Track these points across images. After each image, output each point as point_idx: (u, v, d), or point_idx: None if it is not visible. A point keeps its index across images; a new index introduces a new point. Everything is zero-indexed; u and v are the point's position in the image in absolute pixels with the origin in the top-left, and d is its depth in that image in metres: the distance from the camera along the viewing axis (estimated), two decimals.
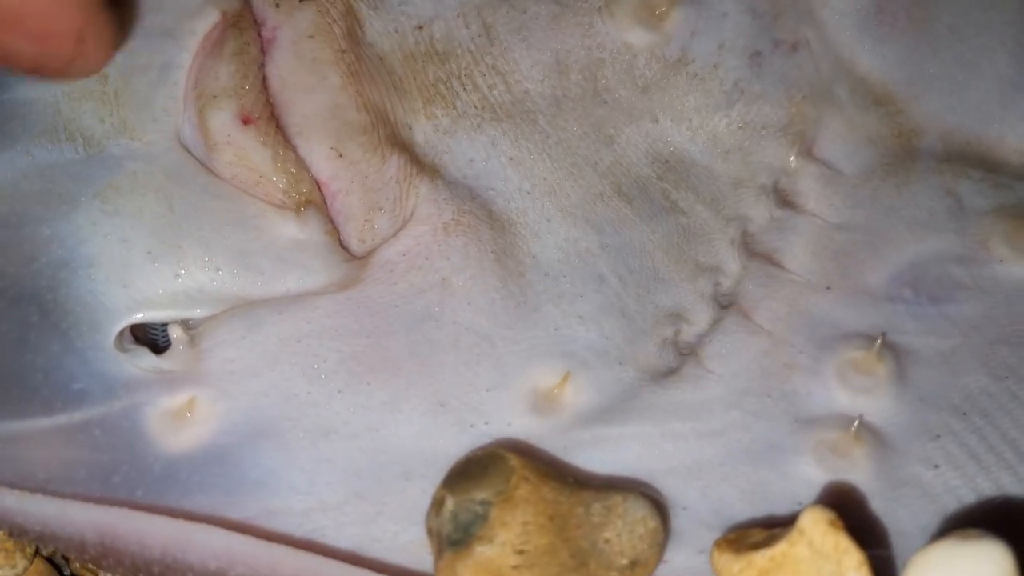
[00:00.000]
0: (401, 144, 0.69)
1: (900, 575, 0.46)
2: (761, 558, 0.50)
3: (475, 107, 0.71)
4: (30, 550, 0.72)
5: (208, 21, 0.70)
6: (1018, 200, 0.77)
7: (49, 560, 0.74)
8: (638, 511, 0.55)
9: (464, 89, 0.71)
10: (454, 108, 0.71)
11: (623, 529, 0.54)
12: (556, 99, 0.72)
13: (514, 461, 0.56)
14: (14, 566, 0.71)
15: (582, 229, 0.69)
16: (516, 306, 0.67)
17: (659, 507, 0.56)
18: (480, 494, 0.55)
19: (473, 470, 0.56)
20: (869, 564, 0.47)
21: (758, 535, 0.52)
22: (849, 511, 0.52)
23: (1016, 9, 0.81)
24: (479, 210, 0.69)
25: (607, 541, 0.54)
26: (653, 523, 0.55)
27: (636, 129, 0.73)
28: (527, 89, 0.72)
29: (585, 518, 0.54)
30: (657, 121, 0.73)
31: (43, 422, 0.63)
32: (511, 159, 0.70)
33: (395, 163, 0.69)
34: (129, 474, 0.61)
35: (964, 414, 0.66)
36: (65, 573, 0.74)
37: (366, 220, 0.69)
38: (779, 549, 0.50)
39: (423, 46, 0.71)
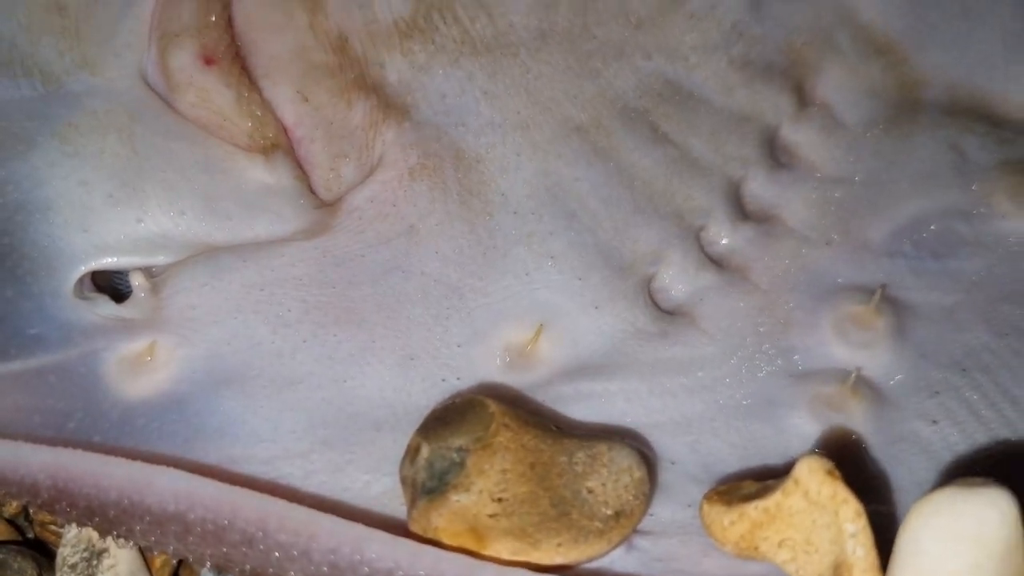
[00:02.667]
0: (369, 87, 0.67)
1: (900, 527, 0.43)
2: (754, 510, 0.47)
3: (454, 41, 0.68)
4: None
5: None
6: (1023, 155, 0.74)
7: (11, 522, 0.71)
8: (623, 460, 0.51)
9: (444, 22, 0.68)
10: (432, 43, 0.68)
11: (608, 479, 0.51)
12: (541, 33, 0.69)
13: (493, 408, 0.52)
14: None
15: (553, 163, 0.66)
16: (484, 252, 0.64)
17: (645, 457, 0.52)
18: (457, 441, 0.52)
19: (450, 417, 0.53)
20: (867, 514, 0.44)
21: (750, 487, 0.49)
22: (845, 466, 0.49)
23: None
24: (445, 151, 0.66)
25: (591, 491, 0.51)
26: (639, 473, 0.51)
27: (626, 64, 0.70)
28: (512, 22, 0.69)
29: (568, 467, 0.51)
30: (650, 58, 0.71)
31: None
32: (485, 93, 0.67)
33: (361, 109, 0.67)
34: (85, 420, 0.58)
35: (964, 370, 0.63)
36: (28, 535, 0.71)
37: (331, 168, 0.67)
38: (773, 500, 0.47)
39: None
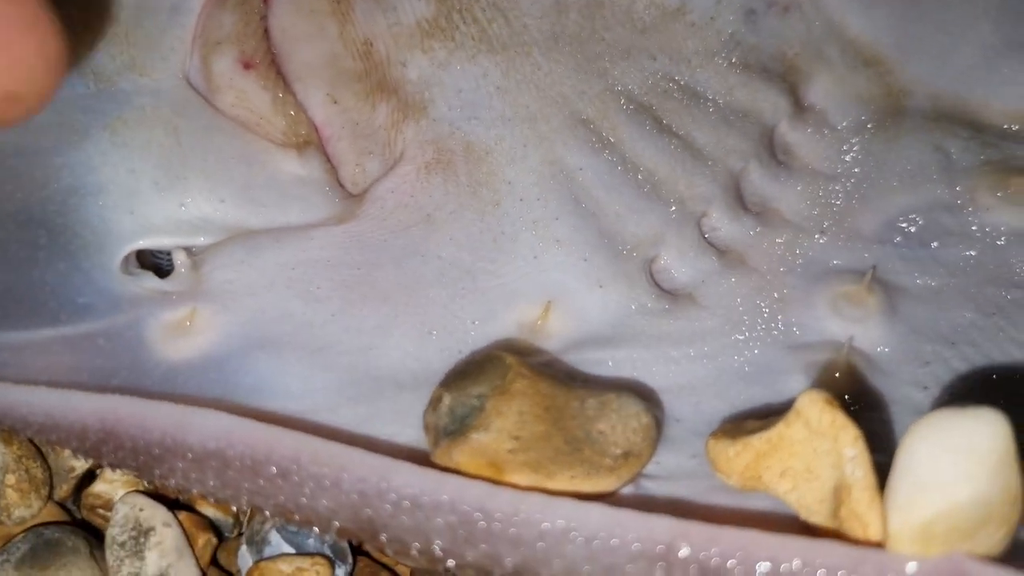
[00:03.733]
0: (391, 88, 0.72)
1: (899, 445, 0.47)
2: (758, 440, 0.51)
3: (473, 39, 0.73)
4: (44, 491, 0.74)
5: None
6: (1003, 156, 0.79)
7: (61, 505, 0.76)
8: (632, 407, 0.55)
9: (464, 22, 0.73)
10: (452, 40, 0.73)
11: (617, 422, 0.55)
12: (554, 35, 0.74)
13: (510, 359, 0.57)
14: (29, 506, 0.74)
15: (559, 152, 0.71)
16: (495, 238, 0.68)
17: (652, 405, 0.56)
18: (477, 389, 0.56)
19: (470, 369, 0.57)
20: (865, 439, 0.48)
21: (754, 424, 0.53)
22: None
23: None
24: (457, 145, 0.71)
25: (601, 432, 0.54)
26: (646, 419, 0.55)
27: (632, 64, 0.75)
28: (526, 24, 0.74)
29: (580, 411, 0.55)
30: (655, 59, 0.75)
31: (49, 332, 0.64)
32: (498, 88, 0.72)
33: (384, 110, 0.72)
34: (129, 378, 0.62)
35: (953, 343, 0.67)
36: (77, 517, 0.76)
37: (357, 164, 0.72)
38: (776, 431, 0.50)
39: None
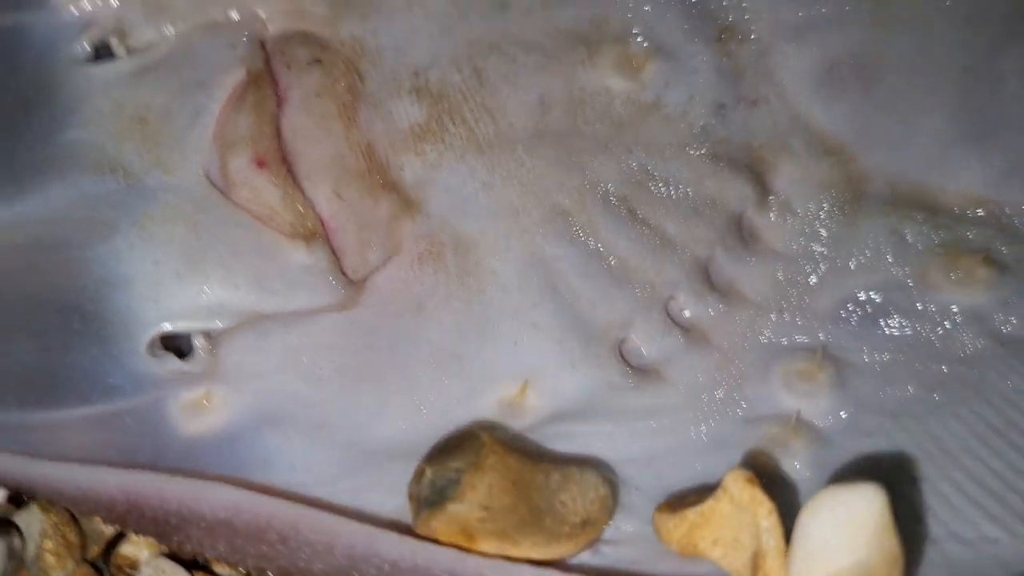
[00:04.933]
0: (391, 185, 0.79)
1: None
2: (692, 513, 0.58)
3: (461, 140, 0.80)
4: (78, 554, 0.82)
5: (235, 77, 0.80)
6: (956, 238, 0.85)
7: (92, 564, 0.83)
8: (591, 479, 0.63)
9: (453, 124, 0.81)
10: (442, 142, 0.80)
11: (577, 494, 0.62)
12: (537, 132, 0.81)
13: (485, 437, 0.64)
14: (65, 568, 0.81)
15: (539, 244, 0.78)
16: (478, 324, 0.76)
17: (610, 479, 0.63)
18: (455, 464, 0.63)
19: (450, 445, 0.65)
20: (778, 512, 0.55)
21: (693, 498, 0.60)
22: (780, 489, 0.59)
23: (955, 77, 0.89)
24: (447, 238, 0.78)
25: (563, 503, 0.62)
26: (604, 490, 0.62)
27: (610, 157, 0.82)
28: (511, 123, 0.81)
29: (544, 483, 0.62)
30: (631, 151, 0.82)
31: (81, 411, 0.73)
32: (484, 184, 0.79)
33: (385, 205, 0.79)
34: (152, 453, 0.70)
35: (896, 416, 0.73)
36: (106, 575, 0.83)
37: (359, 254, 0.79)
38: (707, 505, 0.57)
39: (419, 90, 0.81)
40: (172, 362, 0.75)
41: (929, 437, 0.73)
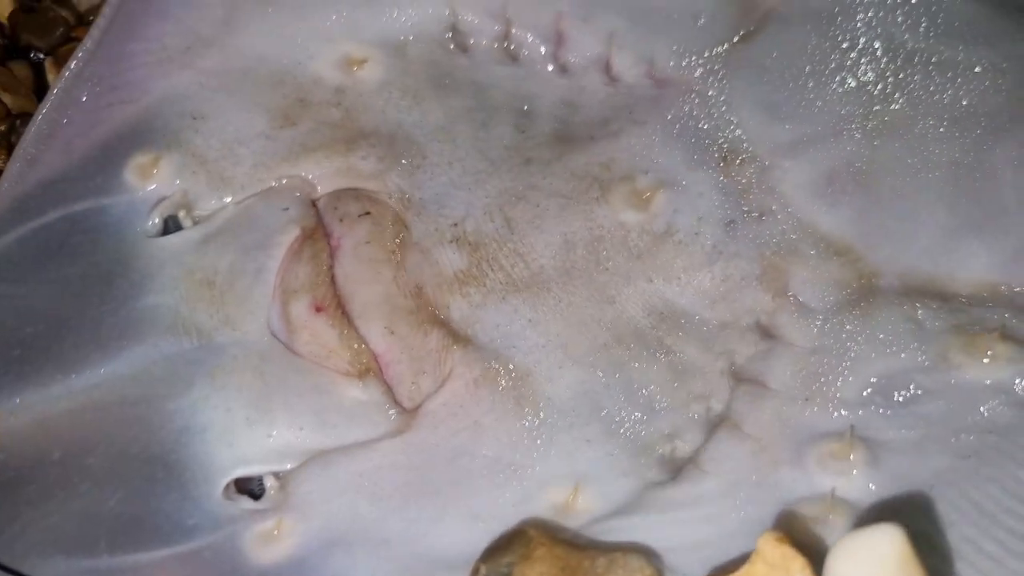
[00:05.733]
0: (439, 321, 0.87)
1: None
2: None
3: (501, 283, 0.88)
4: None
5: (291, 235, 0.90)
6: (972, 320, 0.88)
7: None
8: (636, 562, 0.67)
9: (492, 270, 0.89)
10: (484, 286, 0.88)
11: (623, 575, 0.66)
12: (566, 270, 0.89)
13: (533, 531, 0.69)
14: None
15: (588, 373, 0.85)
16: (534, 439, 0.82)
17: (655, 564, 0.67)
18: (506, 559, 0.68)
19: (502, 543, 0.70)
20: (811, 567, 0.58)
21: (733, 568, 0.63)
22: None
23: (948, 174, 0.94)
24: (502, 366, 0.85)
25: None
26: (649, 571, 0.66)
27: (633, 289, 0.89)
28: (542, 265, 0.89)
29: (591, 568, 0.66)
30: (651, 281, 0.89)
31: (165, 552, 0.79)
32: (530, 321, 0.87)
33: (435, 337, 0.87)
34: None
35: (932, 485, 0.76)
36: None
37: (413, 383, 0.86)
38: (743, 571, 0.61)
39: (459, 239, 0.90)
40: (246, 503, 0.82)
41: (967, 501, 0.75)
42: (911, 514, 0.74)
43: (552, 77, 0.99)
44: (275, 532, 0.79)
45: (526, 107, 0.97)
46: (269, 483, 0.83)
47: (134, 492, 0.82)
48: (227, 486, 0.83)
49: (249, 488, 0.86)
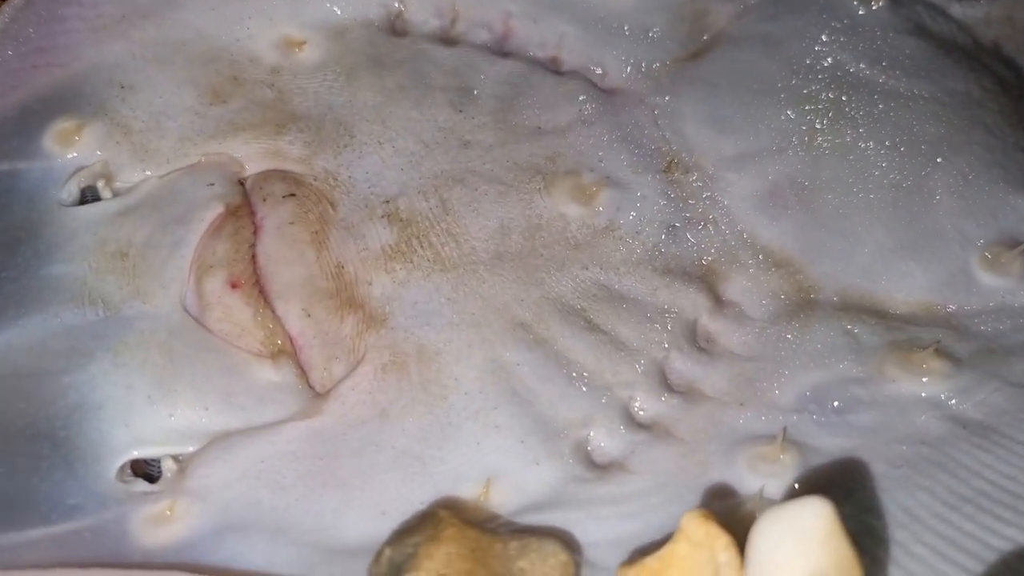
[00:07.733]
0: (357, 303, 0.83)
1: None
2: (652, 560, 0.57)
3: (428, 260, 0.85)
4: None
5: (214, 211, 0.86)
6: (908, 337, 0.88)
7: None
8: (550, 546, 0.62)
9: (421, 247, 0.86)
10: (410, 262, 0.85)
11: (536, 560, 0.61)
12: (498, 254, 0.86)
13: (443, 512, 0.64)
14: None
15: (499, 351, 0.81)
16: (442, 428, 0.78)
17: (569, 545, 0.63)
18: (413, 539, 0.63)
19: (409, 526, 0.65)
20: (736, 545, 0.54)
21: (652, 549, 0.59)
22: None
23: (888, 196, 0.94)
24: (411, 348, 0.81)
25: (521, 569, 0.61)
26: (564, 556, 0.62)
27: (566, 274, 0.87)
28: (474, 246, 0.86)
29: (503, 551, 0.61)
30: (587, 268, 0.87)
31: (37, 531, 0.73)
32: (448, 299, 0.83)
33: (350, 322, 0.83)
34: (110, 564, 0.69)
35: (864, 490, 0.73)
36: None
37: (325, 368, 0.82)
38: (666, 550, 0.57)
39: (390, 215, 0.87)
40: (140, 485, 0.76)
41: (899, 507, 0.72)
42: (841, 518, 0.71)
43: (495, 59, 0.98)
44: (167, 513, 0.73)
45: (464, 84, 0.95)
46: (167, 465, 0.77)
47: (15, 470, 0.75)
48: (122, 467, 0.76)
49: (146, 470, 0.79)
